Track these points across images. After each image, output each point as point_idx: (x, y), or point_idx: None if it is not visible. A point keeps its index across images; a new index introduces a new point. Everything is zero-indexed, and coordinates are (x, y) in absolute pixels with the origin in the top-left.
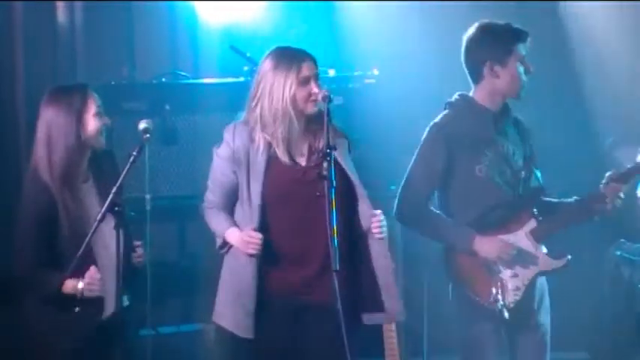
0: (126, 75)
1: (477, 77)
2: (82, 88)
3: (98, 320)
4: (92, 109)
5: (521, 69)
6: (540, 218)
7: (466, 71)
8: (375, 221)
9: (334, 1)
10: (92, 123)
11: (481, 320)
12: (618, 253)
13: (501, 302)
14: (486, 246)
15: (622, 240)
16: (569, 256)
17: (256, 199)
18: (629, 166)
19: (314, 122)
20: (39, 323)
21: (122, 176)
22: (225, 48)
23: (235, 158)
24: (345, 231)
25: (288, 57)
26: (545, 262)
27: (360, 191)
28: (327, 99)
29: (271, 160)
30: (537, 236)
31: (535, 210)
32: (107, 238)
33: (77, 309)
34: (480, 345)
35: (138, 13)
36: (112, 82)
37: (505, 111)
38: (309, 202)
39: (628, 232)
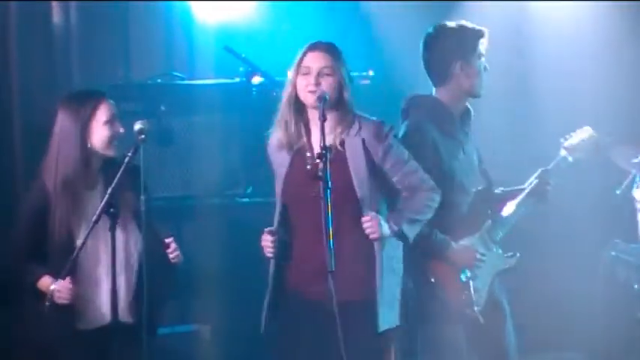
0: (121, 76)
1: (444, 78)
2: (96, 95)
3: (91, 327)
4: (102, 117)
5: (482, 67)
6: (494, 218)
7: (428, 73)
8: (363, 222)
9: (330, 1)
10: (100, 131)
11: (454, 322)
12: (613, 253)
13: (475, 307)
14: (461, 256)
15: (617, 240)
16: (518, 254)
17: (278, 198)
18: (553, 162)
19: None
20: (37, 329)
21: (117, 177)
22: (220, 49)
23: (273, 169)
24: (352, 230)
25: (303, 47)
26: (502, 262)
27: (362, 193)
28: (322, 100)
29: (293, 160)
30: (492, 236)
31: (489, 210)
32: (101, 249)
33: (48, 304)
34: (453, 346)
35: (133, 13)
36: (108, 85)
37: (468, 112)
38: (313, 201)
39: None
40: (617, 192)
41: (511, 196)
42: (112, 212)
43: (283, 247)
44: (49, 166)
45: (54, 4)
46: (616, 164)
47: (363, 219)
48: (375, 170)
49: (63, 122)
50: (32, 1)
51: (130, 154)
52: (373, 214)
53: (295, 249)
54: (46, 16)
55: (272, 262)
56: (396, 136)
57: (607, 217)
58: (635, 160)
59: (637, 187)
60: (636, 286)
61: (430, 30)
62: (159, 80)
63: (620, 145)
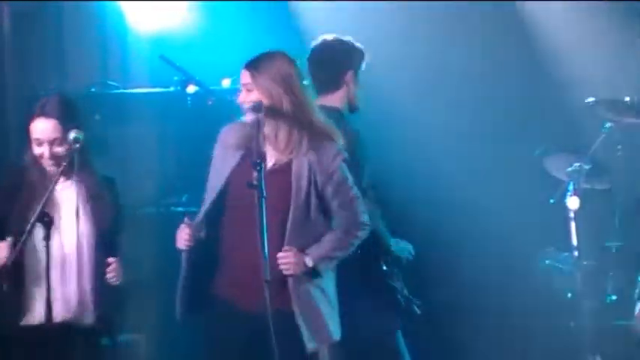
0: (56, 85)
1: (334, 85)
2: (34, 111)
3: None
4: (32, 135)
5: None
6: None
7: (317, 81)
8: (278, 257)
9: (290, 1)
10: (34, 147)
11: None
12: (547, 262)
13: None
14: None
15: (549, 249)
16: None
17: (213, 196)
18: None
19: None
20: None
21: (52, 186)
22: (155, 57)
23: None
24: (280, 244)
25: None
26: None
27: (295, 215)
28: (257, 109)
29: (243, 160)
30: None
31: None
32: (39, 249)
33: (4, 287)
34: (398, 338)
35: (68, 22)
36: (41, 93)
37: None
38: (247, 208)
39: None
40: (552, 201)
41: None
42: (46, 221)
43: (203, 247)
44: None
45: None
46: (550, 173)
47: (279, 255)
48: (317, 194)
49: None
50: None
51: (64, 163)
52: (291, 251)
53: (223, 253)
54: None
55: (184, 255)
56: (345, 160)
57: (541, 225)
58: (569, 170)
59: (570, 196)
60: (569, 295)
61: (320, 42)
62: (93, 89)
63: (553, 155)
